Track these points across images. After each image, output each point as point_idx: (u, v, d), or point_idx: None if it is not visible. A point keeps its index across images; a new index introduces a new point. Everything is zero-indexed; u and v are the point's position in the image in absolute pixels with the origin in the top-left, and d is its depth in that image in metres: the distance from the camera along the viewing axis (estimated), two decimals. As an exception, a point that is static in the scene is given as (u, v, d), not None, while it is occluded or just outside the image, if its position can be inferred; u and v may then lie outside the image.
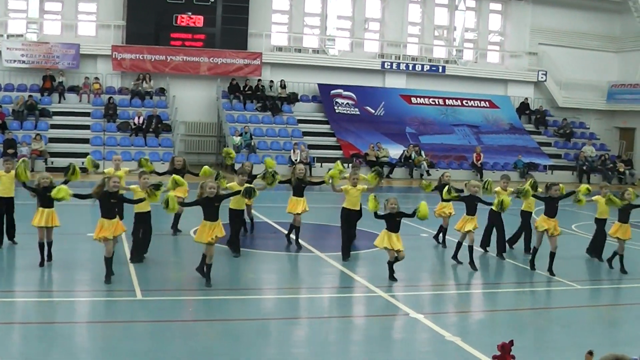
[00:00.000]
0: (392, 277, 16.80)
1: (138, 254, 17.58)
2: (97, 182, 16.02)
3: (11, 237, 18.98)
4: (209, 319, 13.37)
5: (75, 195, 15.98)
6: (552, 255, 18.05)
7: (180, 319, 13.43)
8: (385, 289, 15.89)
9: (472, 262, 18.51)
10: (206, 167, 20.44)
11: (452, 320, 14.14)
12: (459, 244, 18.99)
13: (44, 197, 16.70)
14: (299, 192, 20.08)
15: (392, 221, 16.67)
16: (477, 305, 16.10)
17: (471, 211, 18.64)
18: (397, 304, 14.85)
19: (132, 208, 17.41)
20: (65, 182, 16.86)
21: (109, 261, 15.50)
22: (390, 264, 16.86)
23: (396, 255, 16.67)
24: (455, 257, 19.02)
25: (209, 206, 15.62)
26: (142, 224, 17.53)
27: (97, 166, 20.53)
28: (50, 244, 16.96)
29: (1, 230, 18.59)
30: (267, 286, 16.88)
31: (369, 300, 15.48)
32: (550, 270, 17.96)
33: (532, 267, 18.39)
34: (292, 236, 20.33)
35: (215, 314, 13.71)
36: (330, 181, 19.26)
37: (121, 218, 16.79)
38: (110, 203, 15.69)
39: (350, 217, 19.25)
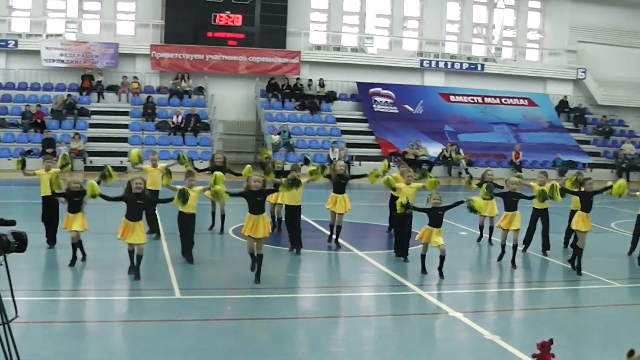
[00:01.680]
0: (423, 270, 16.92)
1: (188, 252, 17.60)
2: (125, 186, 15.96)
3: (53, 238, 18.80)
4: (247, 317, 13.36)
5: (102, 196, 16.00)
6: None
7: (218, 318, 13.45)
8: (424, 288, 15.84)
9: (513, 261, 18.43)
10: (249, 165, 20.48)
11: (491, 318, 14.06)
12: (514, 247, 18.71)
13: (73, 203, 16.74)
14: (339, 188, 19.98)
15: (435, 216, 16.65)
16: (516, 303, 16.00)
17: (510, 207, 18.48)
18: (436, 302, 14.80)
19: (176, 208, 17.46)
20: (98, 183, 16.86)
21: (134, 257, 15.78)
22: (423, 257, 16.92)
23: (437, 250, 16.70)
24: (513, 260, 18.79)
25: (252, 199, 15.70)
26: (186, 223, 17.49)
27: (141, 161, 20.40)
28: (80, 245, 16.96)
29: (52, 229, 18.59)
30: (305, 285, 16.89)
31: (408, 299, 15.42)
32: (578, 267, 17.86)
33: (578, 270, 18.06)
34: (332, 234, 20.28)
35: (253, 313, 13.71)
36: (382, 177, 19.34)
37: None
38: (137, 204, 15.72)
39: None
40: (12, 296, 6.17)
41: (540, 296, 16.60)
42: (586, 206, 17.92)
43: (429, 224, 16.74)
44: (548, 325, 13.62)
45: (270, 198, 20.61)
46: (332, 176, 19.91)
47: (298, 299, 15.47)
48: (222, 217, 21.45)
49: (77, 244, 16.81)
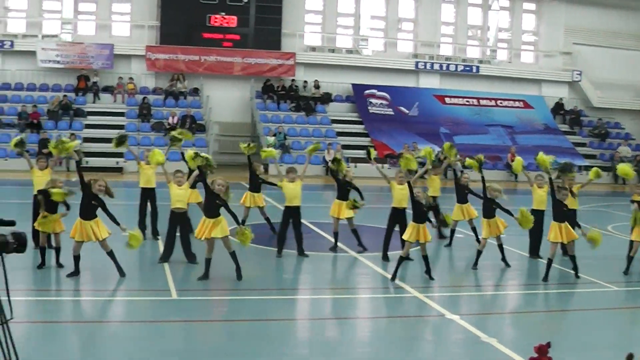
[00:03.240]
0: (396, 271, 16.72)
1: (188, 252, 17.59)
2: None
3: (49, 240, 18.49)
4: (243, 318, 13.33)
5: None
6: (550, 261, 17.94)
7: (215, 319, 13.43)
8: (420, 290, 15.80)
9: (504, 259, 18.51)
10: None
11: (488, 321, 14.03)
12: (499, 246, 18.74)
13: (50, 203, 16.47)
14: (344, 195, 19.89)
15: (420, 212, 16.55)
16: (513, 306, 15.98)
17: (489, 214, 18.44)
18: (433, 304, 14.75)
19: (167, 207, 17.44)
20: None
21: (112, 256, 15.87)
22: (402, 259, 16.76)
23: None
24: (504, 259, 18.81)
25: (211, 202, 15.75)
26: (177, 222, 17.46)
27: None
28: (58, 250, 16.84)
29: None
30: (302, 286, 16.90)
31: (404, 301, 15.39)
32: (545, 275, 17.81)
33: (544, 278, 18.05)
34: (337, 242, 20.17)
35: (250, 314, 13.65)
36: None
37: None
38: (91, 205, 15.64)
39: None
40: (8, 297, 6.14)
41: (538, 299, 16.58)
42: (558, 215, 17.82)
43: (414, 221, 16.62)
44: (546, 328, 13.61)
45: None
46: (341, 180, 19.89)
47: (293, 300, 15.46)
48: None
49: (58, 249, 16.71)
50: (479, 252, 18.48)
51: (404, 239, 16.77)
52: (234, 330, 12.71)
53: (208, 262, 15.86)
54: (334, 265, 19.02)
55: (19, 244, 5.71)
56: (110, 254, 15.71)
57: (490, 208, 18.41)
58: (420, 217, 16.53)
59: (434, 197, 20.03)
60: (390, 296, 15.84)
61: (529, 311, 15.19)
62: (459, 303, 15.39)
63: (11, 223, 6.07)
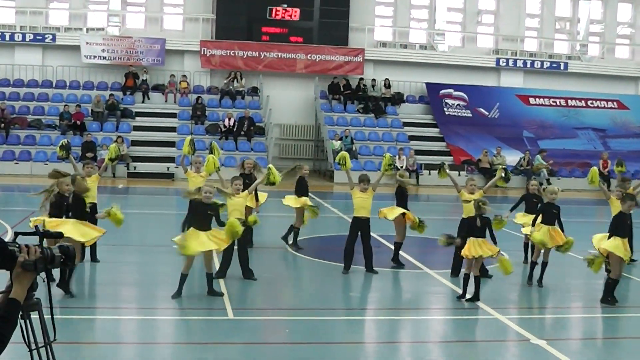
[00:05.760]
0: (464, 290, 16.54)
1: (245, 268, 17.61)
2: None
3: (94, 253, 18.42)
4: (307, 341, 13.32)
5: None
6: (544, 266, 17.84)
7: (275, 342, 13.42)
8: (501, 311, 15.67)
9: (540, 280, 18.21)
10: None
11: (577, 347, 13.85)
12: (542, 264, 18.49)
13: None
14: (402, 202, 19.84)
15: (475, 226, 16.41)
16: (604, 330, 15.77)
17: (549, 220, 18.21)
18: (515, 327, 14.60)
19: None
20: None
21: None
22: (467, 277, 16.61)
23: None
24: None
25: (200, 212, 15.64)
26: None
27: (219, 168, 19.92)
28: None
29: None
30: (370, 306, 16.82)
31: (483, 323, 15.28)
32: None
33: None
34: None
35: (314, 337, 13.64)
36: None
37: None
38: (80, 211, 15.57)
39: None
40: (52, 316, 6.21)
41: (628, 323, 16.31)
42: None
43: (472, 236, 16.43)
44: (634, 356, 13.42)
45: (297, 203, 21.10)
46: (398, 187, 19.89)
47: (361, 321, 15.39)
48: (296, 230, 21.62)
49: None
50: (545, 265, 18.21)
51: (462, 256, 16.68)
52: (296, 354, 12.68)
53: (210, 276, 15.86)
54: (405, 283, 18.93)
55: (66, 257, 5.77)
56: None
57: (551, 214, 18.19)
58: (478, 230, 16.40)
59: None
60: (467, 318, 15.74)
61: (622, 337, 14.99)
62: (543, 326, 15.23)
63: (59, 235, 6.14)
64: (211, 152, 19.83)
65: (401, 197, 19.83)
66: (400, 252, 20.00)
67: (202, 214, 15.59)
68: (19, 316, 5.40)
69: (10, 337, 5.17)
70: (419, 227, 19.62)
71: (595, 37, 54.53)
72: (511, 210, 20.43)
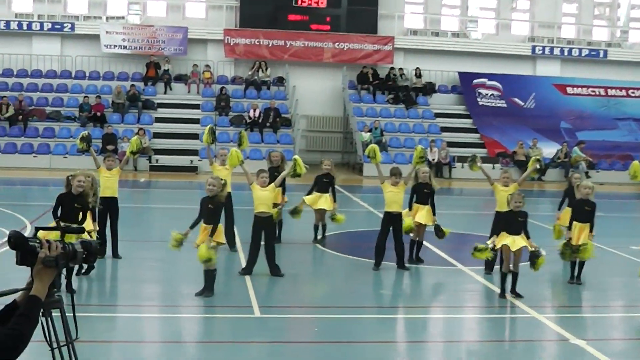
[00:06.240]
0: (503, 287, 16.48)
1: (272, 264, 17.61)
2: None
3: (115, 249, 18.46)
4: (337, 340, 13.32)
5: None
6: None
7: (303, 340, 13.45)
8: (538, 310, 15.61)
9: (578, 277, 18.07)
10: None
11: (621, 347, 13.81)
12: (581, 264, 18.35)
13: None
14: (423, 199, 19.67)
15: (515, 221, 16.33)
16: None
17: (581, 217, 18.01)
18: (554, 327, 14.55)
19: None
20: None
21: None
22: (505, 275, 16.52)
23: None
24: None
25: (205, 208, 15.60)
26: (262, 228, 17.46)
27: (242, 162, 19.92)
28: None
29: (105, 235, 18.32)
30: (401, 304, 16.82)
31: (521, 323, 15.26)
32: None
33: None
34: (412, 252, 20.04)
35: (343, 335, 13.65)
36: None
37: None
38: (75, 207, 15.18)
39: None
40: (74, 314, 6.24)
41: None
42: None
43: (506, 231, 16.34)
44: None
45: (315, 203, 21.10)
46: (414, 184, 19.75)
47: (390, 319, 15.42)
48: (323, 226, 21.72)
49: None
50: (582, 262, 18.07)
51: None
52: (324, 353, 12.70)
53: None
54: (438, 279, 18.94)
55: (88, 253, 5.78)
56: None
57: (583, 211, 18.01)
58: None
59: None
60: (503, 316, 15.71)
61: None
62: (584, 326, 15.17)
63: (80, 230, 6.17)
64: (240, 142, 19.86)
65: (421, 194, 19.65)
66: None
67: (207, 208, 15.55)
68: (40, 314, 5.41)
69: (31, 335, 5.18)
70: (440, 232, 19.53)
71: (637, 22, 54.23)
72: (559, 209, 20.39)
